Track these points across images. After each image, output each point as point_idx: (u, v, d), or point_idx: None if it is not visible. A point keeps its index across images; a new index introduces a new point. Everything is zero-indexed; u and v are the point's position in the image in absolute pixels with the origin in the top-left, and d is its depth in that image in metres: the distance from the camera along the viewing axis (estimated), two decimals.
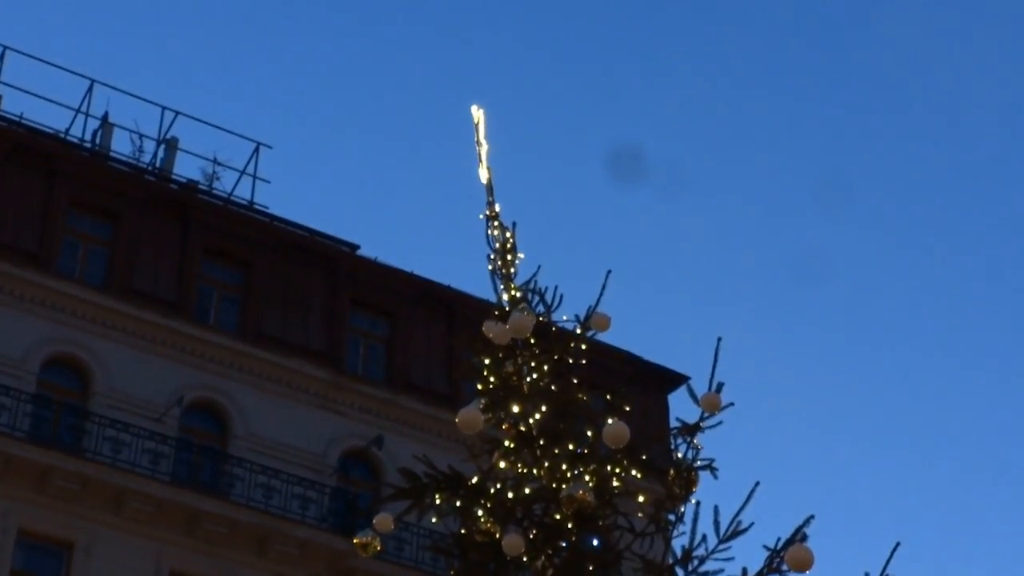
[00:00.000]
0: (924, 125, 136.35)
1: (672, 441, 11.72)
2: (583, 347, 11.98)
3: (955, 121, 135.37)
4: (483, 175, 12.49)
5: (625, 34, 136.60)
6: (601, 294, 11.65)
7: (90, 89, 38.04)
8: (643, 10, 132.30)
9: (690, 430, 11.37)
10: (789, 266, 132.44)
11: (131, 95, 38.90)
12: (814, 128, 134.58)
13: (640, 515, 11.59)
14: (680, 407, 10.49)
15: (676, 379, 34.85)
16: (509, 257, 12.15)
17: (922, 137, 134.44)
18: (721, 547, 10.91)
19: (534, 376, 11.78)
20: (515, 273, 12.12)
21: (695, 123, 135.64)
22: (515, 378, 11.75)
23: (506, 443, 11.50)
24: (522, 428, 11.62)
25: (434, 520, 11.91)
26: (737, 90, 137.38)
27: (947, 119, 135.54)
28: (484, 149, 12.56)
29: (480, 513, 11.37)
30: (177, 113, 39.78)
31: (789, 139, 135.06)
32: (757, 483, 10.88)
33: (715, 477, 11.27)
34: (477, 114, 12.62)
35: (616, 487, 11.43)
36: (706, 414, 11.26)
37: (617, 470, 11.39)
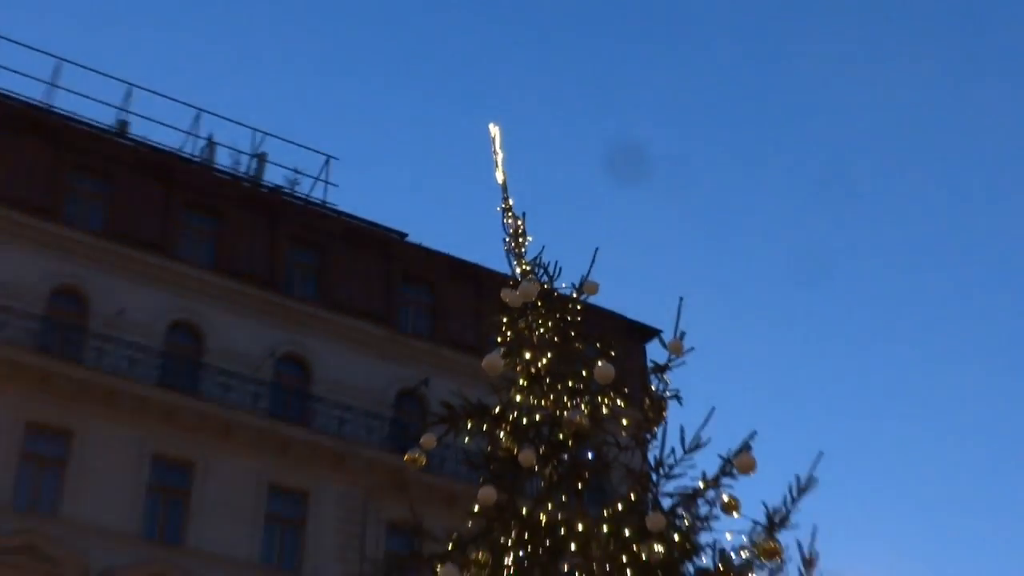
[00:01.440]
0: (925, 125, 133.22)
1: (648, 378, 11.80)
2: (578, 308, 12.06)
3: (956, 121, 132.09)
4: (499, 177, 12.59)
5: (627, 34, 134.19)
6: (591, 267, 11.73)
7: (197, 116, 38.25)
8: (645, 9, 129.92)
9: (660, 369, 11.43)
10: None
11: (230, 120, 38.99)
12: (815, 131, 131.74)
13: (624, 434, 11.67)
14: (655, 352, 10.68)
15: (651, 332, 35.07)
16: (520, 240, 12.29)
17: (924, 136, 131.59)
18: (685, 457, 10.95)
19: (541, 330, 11.88)
20: (525, 252, 12.25)
21: (697, 121, 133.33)
22: (526, 332, 11.86)
23: (520, 381, 11.61)
24: (532, 370, 11.72)
25: (466, 440, 11.97)
26: (738, 89, 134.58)
27: (948, 119, 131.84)
28: (499, 157, 12.66)
29: (501, 435, 11.47)
30: (266, 134, 40.06)
31: (791, 138, 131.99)
32: (713, 408, 10.91)
33: (680, 404, 11.31)
34: (494, 130, 12.74)
35: (605, 413, 11.51)
36: (672, 357, 11.33)
37: (606, 400, 11.47)
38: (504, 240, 12.54)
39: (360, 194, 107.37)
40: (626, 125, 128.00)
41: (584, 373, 11.44)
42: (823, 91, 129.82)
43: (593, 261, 11.92)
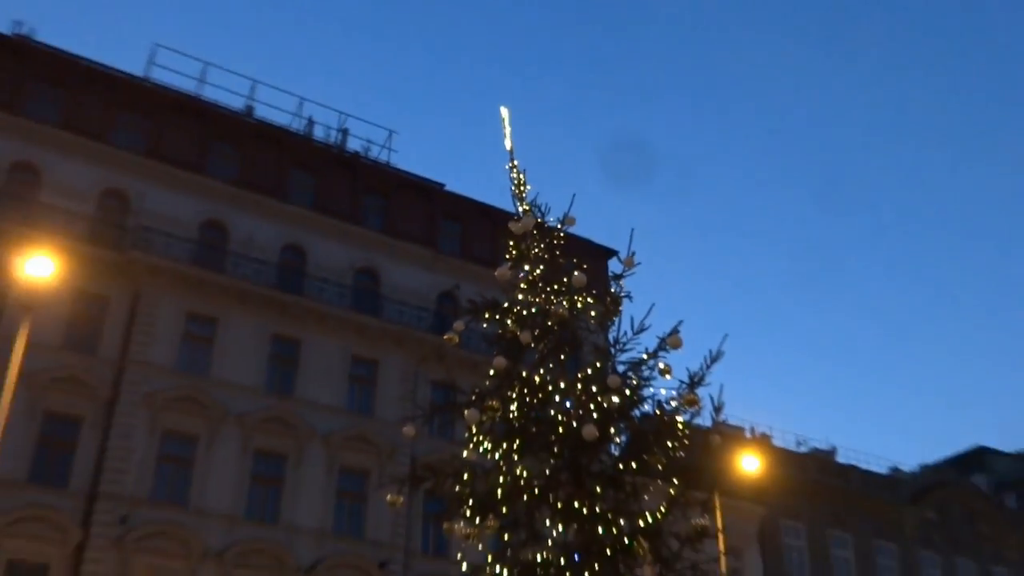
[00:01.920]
0: (927, 125, 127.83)
1: (609, 284, 11.81)
2: (561, 235, 12.06)
3: (957, 119, 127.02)
4: (507, 144, 12.51)
5: (629, 33, 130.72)
6: (570, 207, 11.69)
7: (300, 103, 38.48)
8: (647, 9, 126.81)
9: (617, 277, 11.44)
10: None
11: (322, 104, 39.12)
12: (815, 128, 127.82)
13: (592, 321, 11.70)
14: (614, 267, 10.71)
15: (612, 252, 35.02)
16: (521, 188, 12.24)
17: (924, 135, 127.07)
18: (634, 338, 10.99)
19: (536, 250, 11.88)
20: (525, 196, 12.20)
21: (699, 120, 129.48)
22: (526, 251, 11.86)
23: (522, 285, 11.63)
24: (531, 278, 11.74)
25: (484, 325, 12.02)
26: (740, 89, 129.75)
27: (949, 118, 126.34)
28: (508, 131, 12.58)
29: (508, 322, 11.50)
30: (348, 115, 40.09)
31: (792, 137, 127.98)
32: (652, 304, 10.94)
33: (631, 301, 11.30)
34: (504, 112, 12.65)
35: (579, 307, 11.54)
36: (625, 269, 11.32)
37: (579, 298, 11.50)
38: (511, 188, 12.50)
39: (410, 154, 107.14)
40: (627, 125, 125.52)
41: (565, 280, 11.47)
42: (826, 91, 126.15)
43: (571, 204, 11.94)
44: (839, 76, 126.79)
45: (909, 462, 62.47)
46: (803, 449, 43.48)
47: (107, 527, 26.60)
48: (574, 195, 11.79)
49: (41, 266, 21.93)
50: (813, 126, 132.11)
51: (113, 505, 26.92)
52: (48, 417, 27.50)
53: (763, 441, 40.46)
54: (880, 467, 45.65)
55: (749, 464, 27.04)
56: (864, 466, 44.27)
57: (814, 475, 40.96)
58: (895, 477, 45.26)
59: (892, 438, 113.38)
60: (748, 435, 40.86)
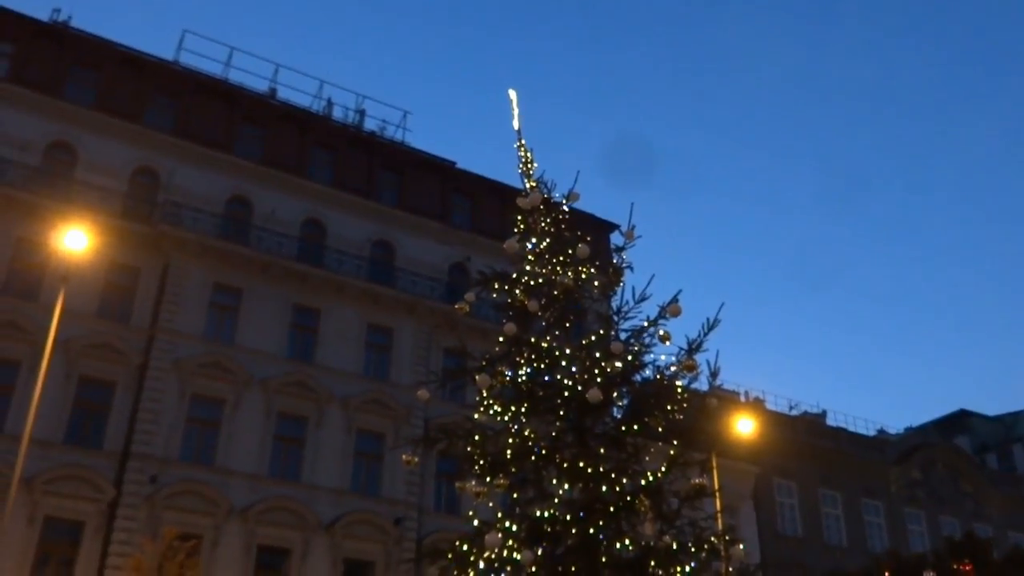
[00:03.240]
0: (929, 125, 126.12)
1: (611, 255, 11.76)
2: (566, 210, 12.00)
3: (957, 117, 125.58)
4: (515, 124, 12.43)
5: (630, 32, 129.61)
6: (575, 183, 11.63)
7: (320, 85, 38.28)
8: (648, 9, 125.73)
9: (619, 249, 11.40)
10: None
11: (339, 87, 38.92)
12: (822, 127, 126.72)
13: (596, 290, 11.67)
14: (616, 239, 10.71)
15: (614, 226, 34.81)
16: (529, 166, 12.18)
17: (926, 135, 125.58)
18: (635, 306, 10.96)
19: (543, 224, 11.82)
20: (532, 174, 12.13)
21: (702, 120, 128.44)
22: (533, 225, 11.81)
23: (529, 257, 11.58)
24: (537, 250, 11.69)
25: (494, 295, 11.99)
26: (741, 87, 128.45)
27: (950, 117, 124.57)
28: (516, 112, 12.49)
29: (517, 291, 11.47)
30: (365, 97, 39.94)
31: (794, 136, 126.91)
32: (652, 275, 10.91)
33: (632, 272, 11.29)
34: (512, 94, 12.57)
35: (583, 278, 11.50)
36: (627, 241, 11.28)
37: (583, 269, 11.45)
38: (519, 166, 12.45)
39: (423, 133, 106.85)
40: (628, 124, 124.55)
41: (570, 252, 11.43)
42: (827, 89, 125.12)
43: (575, 181, 11.89)
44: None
45: (895, 425, 62.56)
46: (795, 412, 43.54)
47: (138, 486, 26.73)
48: (578, 172, 11.75)
49: (76, 240, 21.99)
50: (814, 94, 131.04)
51: (144, 465, 27.05)
52: (83, 382, 27.60)
53: (757, 405, 40.50)
54: (868, 429, 45.75)
55: (744, 427, 27.01)
56: (852, 428, 44.35)
57: (805, 437, 41.01)
58: (882, 439, 45.29)
59: (879, 402, 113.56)
60: (743, 399, 40.90)
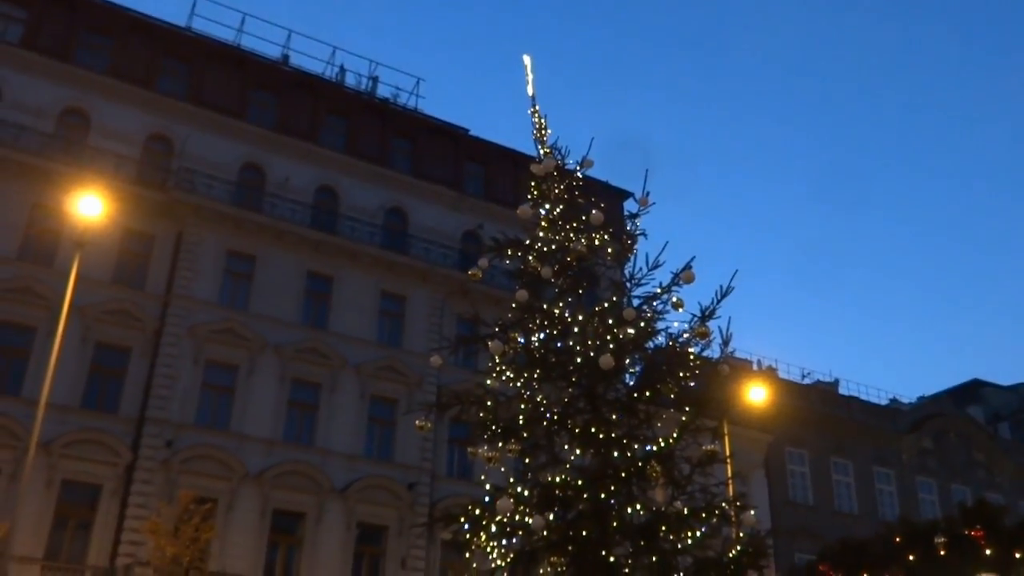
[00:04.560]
0: (931, 122, 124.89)
1: (625, 222, 11.71)
2: (580, 176, 11.94)
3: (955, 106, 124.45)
4: (529, 91, 12.35)
5: (628, 27, 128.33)
6: (588, 150, 11.57)
7: (333, 51, 38.05)
8: (652, 6, 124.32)
9: (633, 216, 11.33)
10: None
11: (356, 54, 38.64)
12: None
13: (608, 258, 11.64)
14: (630, 207, 10.65)
15: (628, 193, 34.66)
16: (543, 132, 12.10)
17: (927, 80, 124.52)
18: (649, 273, 10.93)
19: (557, 191, 11.78)
20: (546, 140, 12.06)
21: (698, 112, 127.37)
22: (547, 191, 11.77)
23: (542, 223, 11.54)
24: (551, 216, 11.65)
25: (507, 262, 11.97)
26: (740, 83, 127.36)
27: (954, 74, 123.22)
28: (530, 78, 12.39)
29: (530, 258, 11.45)
30: (378, 64, 39.70)
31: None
32: (667, 242, 10.86)
33: (646, 239, 11.24)
34: (527, 60, 12.46)
35: (597, 244, 11.46)
36: (641, 208, 11.22)
37: (597, 236, 11.42)
38: (532, 132, 12.38)
39: (439, 101, 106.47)
40: (629, 120, 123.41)
41: (584, 218, 11.38)
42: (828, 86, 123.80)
43: (590, 147, 11.82)
44: None
45: (909, 394, 62.40)
46: (807, 381, 43.47)
47: (155, 450, 26.99)
48: (592, 138, 11.66)
49: (91, 206, 22.03)
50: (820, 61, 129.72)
51: (160, 429, 27.29)
52: (99, 347, 27.81)
53: (769, 373, 40.46)
54: (880, 399, 45.69)
55: (756, 395, 26.99)
56: (865, 397, 44.30)
57: (817, 406, 41.00)
58: (894, 408, 45.22)
59: (893, 372, 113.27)
60: (755, 368, 40.85)
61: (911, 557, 5.21)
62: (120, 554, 25.45)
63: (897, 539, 5.66)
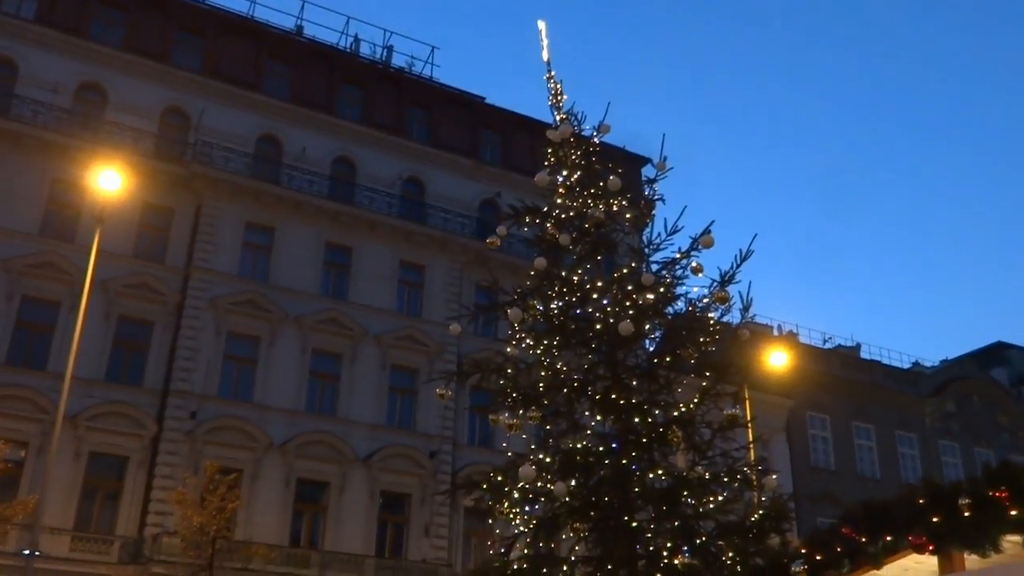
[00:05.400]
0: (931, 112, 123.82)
1: (642, 188, 11.62)
2: (596, 143, 11.85)
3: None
4: (544, 56, 12.22)
5: (631, 24, 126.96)
6: (605, 115, 11.47)
7: (347, 21, 37.76)
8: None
9: (651, 181, 11.25)
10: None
11: (370, 24, 38.42)
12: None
13: (627, 223, 11.56)
14: (648, 172, 10.53)
15: (645, 159, 34.42)
16: (558, 98, 11.99)
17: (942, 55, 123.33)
18: (667, 238, 10.87)
19: (574, 157, 11.70)
20: (562, 106, 11.97)
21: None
22: (564, 158, 11.68)
23: (560, 190, 11.48)
24: (568, 183, 11.58)
25: (525, 229, 11.92)
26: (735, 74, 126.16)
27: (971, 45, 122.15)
28: (545, 43, 12.27)
29: (548, 225, 11.40)
30: (392, 33, 39.53)
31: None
32: (685, 206, 10.78)
33: (664, 203, 11.15)
34: (541, 25, 12.34)
35: (615, 210, 11.39)
36: (658, 172, 11.13)
37: (615, 202, 11.34)
38: (548, 98, 12.27)
39: (455, 69, 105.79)
40: (646, 85, 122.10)
41: (601, 184, 11.30)
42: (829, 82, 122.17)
43: (606, 113, 11.72)
44: None
45: (931, 358, 62.07)
46: (828, 346, 43.30)
47: (179, 421, 27.27)
48: (608, 103, 11.56)
49: (110, 180, 22.10)
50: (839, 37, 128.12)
51: (184, 401, 27.55)
52: (122, 321, 28.05)
53: (790, 338, 40.28)
54: (902, 362, 45.45)
55: (776, 360, 26.91)
56: (887, 362, 44.09)
57: (838, 370, 40.86)
58: (917, 371, 44.99)
59: (915, 336, 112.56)
60: (776, 333, 40.70)
61: (935, 519, 5.21)
62: (148, 524, 25.86)
63: (920, 501, 5.64)
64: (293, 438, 28.55)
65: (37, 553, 19.55)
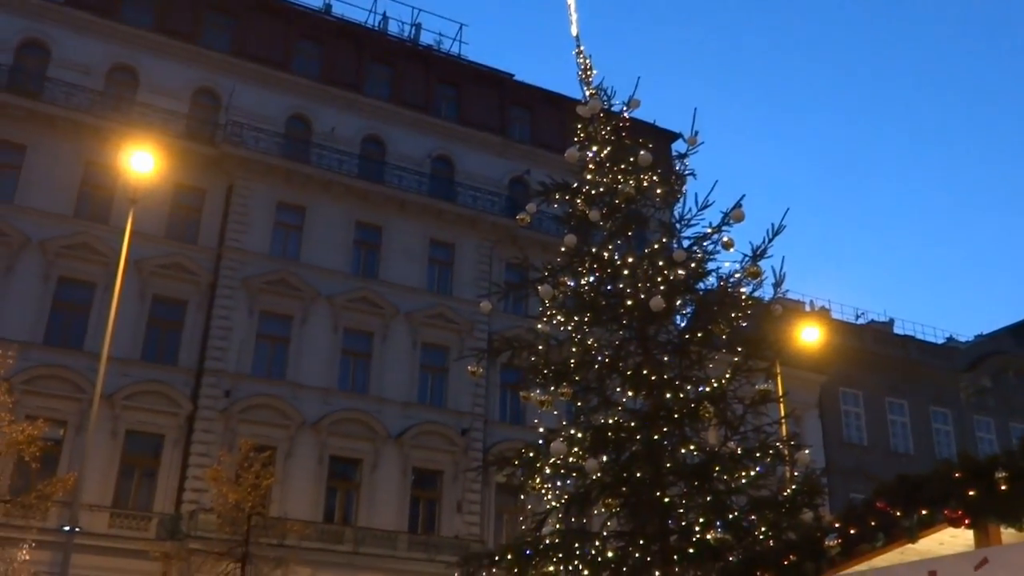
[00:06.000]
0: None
1: (673, 162, 11.59)
2: (626, 118, 11.80)
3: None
4: (573, 31, 12.18)
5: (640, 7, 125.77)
6: (635, 90, 11.40)
7: (375, 1, 37.64)
8: None
9: (682, 156, 11.22)
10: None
11: (398, 1, 38.30)
12: None
13: (657, 199, 11.54)
14: (678, 147, 10.52)
15: (675, 135, 34.13)
16: (588, 73, 11.95)
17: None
18: (698, 213, 10.84)
19: (603, 132, 11.66)
20: (591, 81, 11.92)
21: None
22: (594, 133, 11.65)
23: (590, 165, 11.46)
24: (598, 158, 11.55)
25: (555, 206, 11.92)
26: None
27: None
28: (574, 17, 12.21)
29: (578, 202, 11.39)
30: (420, 10, 39.43)
31: None
32: (716, 181, 10.73)
33: (695, 178, 11.13)
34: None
35: (645, 186, 11.36)
36: (689, 147, 11.09)
37: (645, 177, 11.31)
38: (577, 73, 12.22)
39: (483, 46, 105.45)
40: (676, 59, 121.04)
41: (631, 159, 11.27)
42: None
43: (636, 87, 11.66)
44: None
45: (967, 333, 61.35)
46: (861, 321, 42.95)
47: (214, 400, 27.58)
48: (639, 78, 11.50)
49: (143, 161, 22.28)
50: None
51: (218, 380, 27.85)
52: (156, 301, 28.36)
53: (822, 314, 40.03)
54: (937, 337, 45.00)
55: (809, 335, 26.76)
56: (921, 337, 43.68)
57: (871, 346, 40.54)
58: (951, 346, 44.54)
59: (950, 311, 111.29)
60: (808, 309, 40.44)
61: (971, 492, 5.15)
62: (184, 501, 26.23)
63: (956, 474, 5.59)
64: (326, 416, 28.80)
65: (77, 529, 19.91)
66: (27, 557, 19.04)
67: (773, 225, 10.26)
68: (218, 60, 32.04)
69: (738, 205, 10.35)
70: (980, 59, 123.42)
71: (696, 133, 10.98)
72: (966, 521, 5.87)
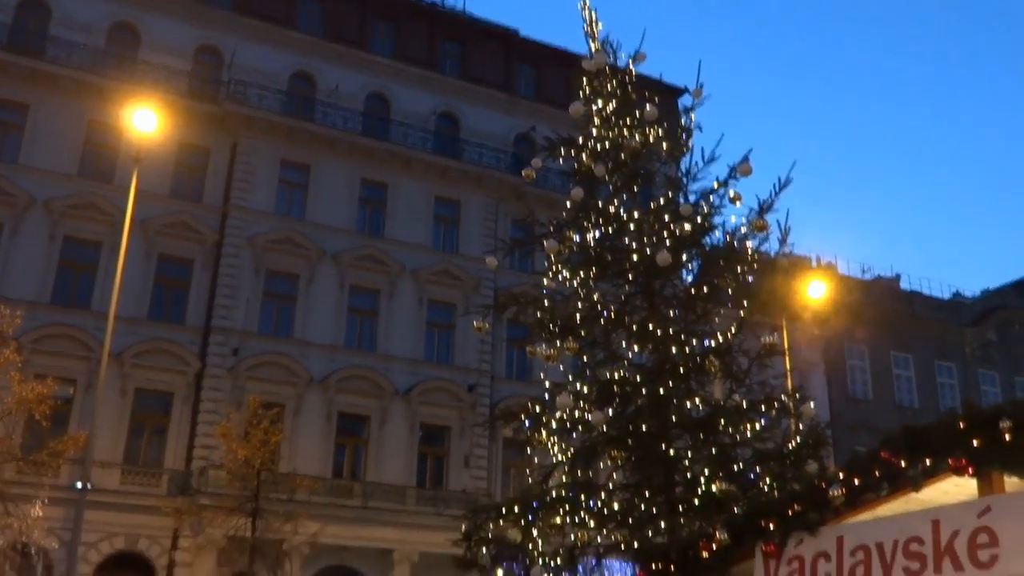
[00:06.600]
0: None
1: (679, 119, 11.51)
2: (632, 72, 11.72)
3: None
4: None
5: None
6: (640, 44, 11.33)
7: None
8: None
9: (689, 110, 11.15)
10: None
11: None
12: None
13: (664, 153, 11.50)
14: (685, 102, 10.46)
15: (682, 91, 33.85)
16: (594, 27, 11.87)
17: None
18: (704, 167, 10.80)
19: (609, 87, 11.59)
20: (597, 36, 11.84)
21: None
22: (599, 88, 11.59)
23: (595, 120, 11.41)
24: (604, 113, 11.50)
25: (561, 162, 11.90)
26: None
27: None
28: None
29: (583, 156, 11.35)
30: None
31: None
32: (722, 134, 10.69)
33: (700, 131, 11.07)
34: None
35: (651, 141, 11.31)
36: (695, 100, 11.02)
37: (651, 131, 11.26)
38: (583, 28, 12.15)
39: (488, 2, 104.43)
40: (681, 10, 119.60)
41: (637, 114, 11.21)
42: None
43: (642, 40, 11.58)
44: None
45: (973, 288, 61.23)
46: (868, 277, 42.83)
47: (221, 358, 27.74)
48: (644, 30, 11.43)
49: (146, 120, 22.20)
50: None
51: (225, 338, 27.98)
52: (162, 260, 28.42)
53: (829, 269, 39.92)
54: (943, 293, 44.91)
55: (815, 290, 26.73)
56: (927, 292, 43.60)
57: (877, 300, 40.50)
58: (957, 301, 44.49)
59: (957, 266, 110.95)
60: (814, 264, 40.34)
61: (975, 442, 5.18)
62: (194, 457, 26.48)
63: (961, 424, 5.63)
64: (333, 373, 28.95)
65: (89, 486, 20.11)
66: (40, 513, 19.25)
67: (780, 179, 10.24)
68: (220, 17, 31.79)
69: (745, 159, 10.31)
70: (992, 24, 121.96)
71: (701, 86, 10.94)
72: (970, 470, 5.92)
